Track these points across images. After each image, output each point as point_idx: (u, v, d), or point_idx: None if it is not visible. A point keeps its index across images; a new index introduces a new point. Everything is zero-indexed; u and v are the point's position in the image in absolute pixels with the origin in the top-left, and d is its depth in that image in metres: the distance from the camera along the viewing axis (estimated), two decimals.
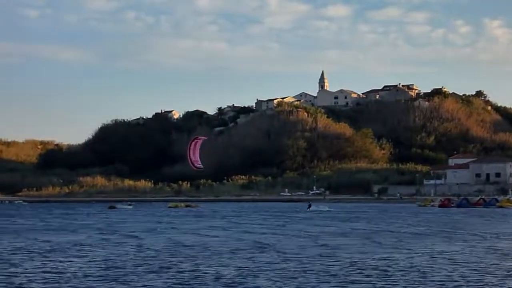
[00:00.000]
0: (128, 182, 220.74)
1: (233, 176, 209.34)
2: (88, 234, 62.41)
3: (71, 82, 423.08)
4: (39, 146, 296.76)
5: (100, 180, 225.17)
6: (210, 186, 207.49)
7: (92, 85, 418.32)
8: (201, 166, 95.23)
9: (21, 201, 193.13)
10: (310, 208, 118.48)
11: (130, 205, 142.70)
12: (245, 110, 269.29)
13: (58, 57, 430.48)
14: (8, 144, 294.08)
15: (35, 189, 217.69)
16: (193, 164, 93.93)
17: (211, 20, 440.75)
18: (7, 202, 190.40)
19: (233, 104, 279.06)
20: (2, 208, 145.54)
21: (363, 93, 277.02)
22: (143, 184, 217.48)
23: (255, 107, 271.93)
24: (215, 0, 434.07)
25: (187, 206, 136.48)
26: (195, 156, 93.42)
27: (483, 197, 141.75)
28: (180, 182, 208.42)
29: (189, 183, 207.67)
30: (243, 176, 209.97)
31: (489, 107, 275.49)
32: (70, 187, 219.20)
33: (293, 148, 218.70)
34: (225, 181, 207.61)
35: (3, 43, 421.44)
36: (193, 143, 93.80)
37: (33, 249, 47.45)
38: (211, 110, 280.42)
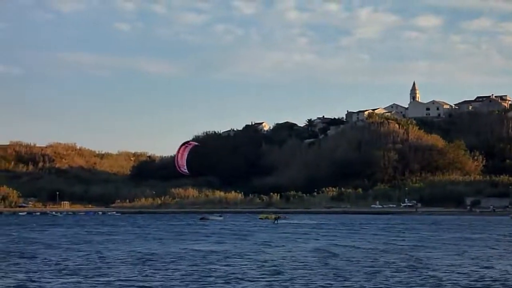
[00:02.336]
0: (219, 194, 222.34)
1: (323, 188, 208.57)
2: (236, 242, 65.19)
3: (162, 95, 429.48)
4: (132, 158, 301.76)
5: (191, 192, 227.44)
6: (300, 198, 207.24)
7: (183, 97, 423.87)
8: (187, 171, 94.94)
9: (114, 212, 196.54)
10: (278, 221, 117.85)
11: (220, 216, 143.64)
12: (335, 122, 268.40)
13: (149, 70, 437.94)
14: (102, 156, 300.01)
15: (128, 200, 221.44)
16: (179, 168, 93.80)
17: (301, 32, 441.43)
18: (100, 213, 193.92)
19: (323, 116, 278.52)
20: (109, 219, 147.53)
21: (455, 104, 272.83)
22: (234, 195, 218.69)
23: (346, 118, 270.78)
24: (304, 12, 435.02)
25: (276, 217, 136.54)
26: (182, 161, 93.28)
27: None
28: (270, 193, 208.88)
29: (279, 194, 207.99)
30: (333, 188, 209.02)
31: None
32: (162, 199, 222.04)
33: (384, 159, 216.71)
34: (315, 193, 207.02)
35: (95, 55, 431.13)
36: (183, 147, 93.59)
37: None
38: (301, 122, 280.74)
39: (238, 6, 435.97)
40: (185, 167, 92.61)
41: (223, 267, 41.69)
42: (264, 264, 43.78)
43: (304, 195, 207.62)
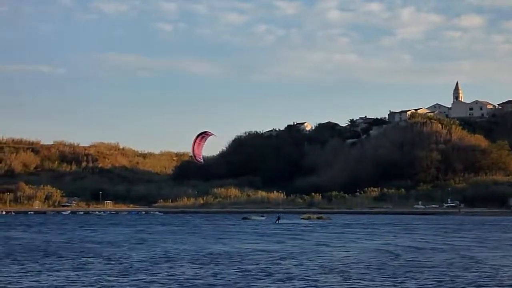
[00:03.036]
0: (261, 194, 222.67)
1: (365, 188, 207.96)
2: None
3: (205, 96, 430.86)
4: (174, 158, 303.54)
5: (233, 191, 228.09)
6: (342, 198, 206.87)
7: (225, 98, 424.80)
8: (202, 161, 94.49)
9: (157, 211, 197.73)
10: (279, 221, 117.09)
11: (262, 216, 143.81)
12: (378, 122, 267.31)
13: (191, 70, 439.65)
14: (144, 156, 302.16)
15: (170, 200, 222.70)
16: (195, 157, 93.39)
17: (342, 32, 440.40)
18: (143, 212, 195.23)
19: (366, 116, 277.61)
20: (159, 219, 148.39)
21: (498, 104, 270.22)
22: (276, 195, 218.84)
23: (388, 118, 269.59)
24: (345, 12, 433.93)
25: (318, 218, 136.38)
26: (198, 150, 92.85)
27: None
28: (312, 193, 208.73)
29: (321, 195, 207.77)
30: (376, 188, 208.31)
31: None
32: (204, 198, 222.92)
33: (426, 160, 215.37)
34: (357, 193, 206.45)
35: (138, 56, 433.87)
36: (200, 137, 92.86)
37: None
38: (343, 122, 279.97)
39: (280, 6, 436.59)
40: (201, 157, 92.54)
41: (294, 267, 41.67)
42: (330, 263, 43.75)
43: (346, 195, 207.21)
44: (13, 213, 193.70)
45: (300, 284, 33.91)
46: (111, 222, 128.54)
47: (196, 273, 38.64)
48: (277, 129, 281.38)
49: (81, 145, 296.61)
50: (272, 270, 40.02)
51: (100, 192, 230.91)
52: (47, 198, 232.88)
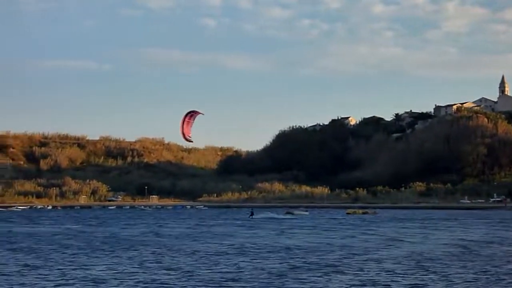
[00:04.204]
0: (305, 188, 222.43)
1: (411, 183, 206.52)
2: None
3: (249, 90, 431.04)
4: (219, 153, 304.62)
5: (277, 186, 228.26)
6: (388, 193, 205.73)
7: (269, 92, 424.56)
8: (191, 139, 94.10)
9: (202, 206, 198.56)
10: (253, 216, 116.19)
11: (306, 211, 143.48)
12: (423, 116, 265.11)
13: (235, 65, 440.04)
14: (189, 151, 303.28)
15: (215, 194, 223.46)
16: (183, 136, 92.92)
17: (387, 26, 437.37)
18: (188, 207, 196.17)
19: (411, 110, 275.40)
20: (213, 213, 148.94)
21: None
22: (320, 190, 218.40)
23: (433, 112, 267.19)
24: (390, 5, 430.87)
25: (364, 213, 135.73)
26: (187, 129, 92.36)
27: None
28: (357, 188, 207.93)
29: (366, 189, 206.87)
30: (421, 183, 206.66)
31: None
32: (249, 193, 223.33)
33: (472, 154, 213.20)
34: (402, 188, 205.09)
35: (183, 51, 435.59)
36: (189, 115, 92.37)
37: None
38: (388, 116, 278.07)
39: (324, 0, 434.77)
40: (190, 135, 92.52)
41: (374, 262, 41.19)
42: (408, 257, 43.52)
43: (391, 190, 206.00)
44: (59, 208, 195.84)
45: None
46: (166, 216, 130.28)
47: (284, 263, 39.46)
48: (321, 124, 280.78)
49: (126, 140, 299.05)
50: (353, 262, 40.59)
51: (146, 187, 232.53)
52: (93, 193, 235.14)
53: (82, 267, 38.31)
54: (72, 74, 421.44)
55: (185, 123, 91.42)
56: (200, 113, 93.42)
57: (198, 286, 31.01)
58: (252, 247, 52.08)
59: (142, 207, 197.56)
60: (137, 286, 31.15)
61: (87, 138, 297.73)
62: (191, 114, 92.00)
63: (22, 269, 37.62)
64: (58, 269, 37.49)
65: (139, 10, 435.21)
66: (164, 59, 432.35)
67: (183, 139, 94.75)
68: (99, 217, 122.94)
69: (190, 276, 34.23)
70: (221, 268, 37.46)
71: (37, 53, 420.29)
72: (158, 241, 59.42)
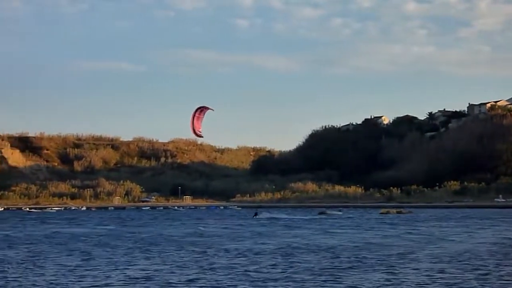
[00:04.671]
0: (339, 188, 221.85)
1: (445, 182, 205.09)
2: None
3: (281, 90, 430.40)
4: (251, 153, 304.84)
5: (311, 186, 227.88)
6: (421, 192, 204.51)
7: (301, 92, 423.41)
8: (202, 134, 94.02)
9: (235, 206, 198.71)
10: (257, 216, 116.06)
11: (340, 211, 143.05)
12: (457, 115, 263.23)
13: (267, 66, 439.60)
14: (222, 151, 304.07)
15: (248, 195, 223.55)
16: (194, 131, 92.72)
17: (419, 25, 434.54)
18: (221, 207, 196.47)
19: (444, 109, 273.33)
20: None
21: None
22: (353, 190, 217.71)
23: (467, 111, 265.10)
24: (422, 4, 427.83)
25: (398, 212, 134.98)
26: (198, 124, 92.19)
27: None
28: (390, 188, 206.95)
29: (399, 189, 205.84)
30: (455, 182, 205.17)
31: None
32: (282, 193, 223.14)
33: (507, 152, 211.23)
34: (436, 187, 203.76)
35: (216, 52, 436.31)
36: (199, 110, 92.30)
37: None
38: (422, 115, 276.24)
39: None
40: (201, 130, 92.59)
41: (427, 261, 41.15)
42: (455, 256, 43.44)
43: (425, 189, 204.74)
44: (93, 209, 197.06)
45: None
46: (203, 216, 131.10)
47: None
48: (354, 123, 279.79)
49: (160, 141, 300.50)
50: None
51: (179, 187, 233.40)
52: (127, 193, 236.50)
53: (144, 268, 38.68)
54: (106, 76, 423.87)
55: (195, 118, 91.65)
56: (210, 109, 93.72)
57: (261, 286, 31.23)
58: (299, 247, 52.24)
59: (176, 207, 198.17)
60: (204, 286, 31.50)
61: (120, 139, 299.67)
62: (201, 109, 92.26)
63: (87, 270, 38.13)
64: (119, 269, 38.00)
65: (172, 11, 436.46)
66: (197, 59, 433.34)
67: (193, 134, 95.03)
68: (137, 218, 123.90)
69: (249, 276, 34.42)
70: (276, 267, 37.83)
71: (71, 54, 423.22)
72: (205, 241, 59.66)
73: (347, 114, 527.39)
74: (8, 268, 38.75)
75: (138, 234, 70.95)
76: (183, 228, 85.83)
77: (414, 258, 42.59)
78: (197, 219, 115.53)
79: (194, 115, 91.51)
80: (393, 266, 37.88)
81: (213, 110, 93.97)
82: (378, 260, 41.02)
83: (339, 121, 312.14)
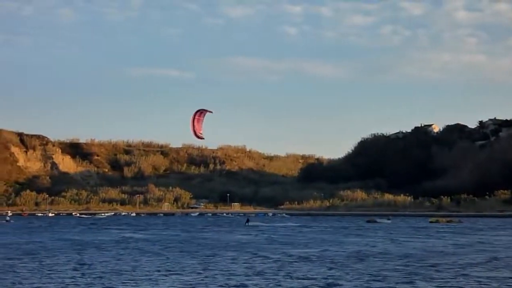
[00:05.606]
0: (388, 196, 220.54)
1: (495, 191, 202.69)
2: None
3: (330, 98, 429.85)
4: (300, 161, 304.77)
5: (360, 194, 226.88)
6: (472, 201, 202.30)
7: (350, 100, 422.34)
8: (203, 136, 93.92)
9: (284, 213, 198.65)
10: (249, 223, 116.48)
11: (388, 219, 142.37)
12: (507, 123, 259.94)
13: (316, 73, 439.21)
14: (271, 158, 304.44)
15: (296, 202, 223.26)
16: (195, 133, 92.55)
17: (469, 33, 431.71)
18: (270, 214, 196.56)
19: (495, 117, 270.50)
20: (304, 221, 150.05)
21: None
22: (403, 198, 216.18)
23: None
24: (473, 12, 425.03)
25: (448, 221, 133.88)
26: (198, 126, 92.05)
27: None
28: (440, 196, 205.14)
29: (449, 197, 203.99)
30: (505, 191, 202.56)
31: None
32: (330, 201, 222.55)
33: None
34: (486, 196, 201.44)
35: (264, 59, 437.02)
36: (199, 112, 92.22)
37: None
38: (472, 123, 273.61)
39: (406, 7, 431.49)
40: (201, 132, 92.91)
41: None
42: None
43: (475, 198, 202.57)
44: (142, 214, 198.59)
45: None
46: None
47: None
48: (403, 131, 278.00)
49: (209, 148, 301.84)
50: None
51: (228, 194, 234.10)
52: (176, 200, 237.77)
53: (228, 270, 40.11)
54: (155, 83, 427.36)
55: (195, 120, 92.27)
56: (209, 111, 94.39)
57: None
58: (368, 253, 53.17)
59: (224, 214, 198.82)
60: None
61: (170, 146, 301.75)
62: (201, 112, 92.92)
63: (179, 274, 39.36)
64: (199, 272, 39.45)
65: (221, 19, 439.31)
66: (246, 67, 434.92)
67: (194, 137, 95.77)
68: (192, 224, 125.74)
69: (336, 283, 34.94)
70: (358, 274, 38.44)
71: (122, 62, 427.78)
72: (275, 247, 60.50)
73: (397, 122, 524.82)
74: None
75: (200, 240, 72.74)
76: (246, 233, 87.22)
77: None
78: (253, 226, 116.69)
79: (194, 118, 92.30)
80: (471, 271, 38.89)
81: (212, 112, 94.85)
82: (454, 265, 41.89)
83: (389, 129, 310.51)
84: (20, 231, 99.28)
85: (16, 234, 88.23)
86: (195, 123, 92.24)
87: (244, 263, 45.43)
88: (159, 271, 40.39)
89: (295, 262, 45.84)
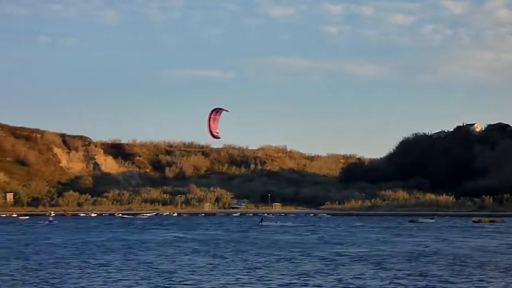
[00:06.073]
0: (430, 196, 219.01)
1: None
2: None
3: (371, 97, 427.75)
4: (341, 160, 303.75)
5: (401, 194, 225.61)
6: None
7: (392, 99, 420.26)
8: (219, 135, 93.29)
9: (324, 214, 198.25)
10: (262, 223, 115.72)
11: (432, 219, 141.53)
12: None
13: (357, 72, 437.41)
14: (311, 158, 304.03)
15: (337, 202, 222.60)
16: (211, 132, 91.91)
17: (511, 31, 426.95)
18: (311, 215, 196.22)
19: None
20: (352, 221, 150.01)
21: None
22: (445, 198, 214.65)
23: None
24: None
25: (491, 221, 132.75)
26: (214, 124, 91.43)
27: None
28: (482, 196, 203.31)
29: (492, 197, 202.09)
30: None
31: None
32: (372, 201, 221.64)
33: None
34: None
35: (305, 59, 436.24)
36: (215, 111, 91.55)
37: None
38: None
39: (447, 6, 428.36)
40: (217, 131, 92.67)
41: None
42: None
43: None
44: (184, 215, 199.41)
45: None
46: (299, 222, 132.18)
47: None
48: (445, 131, 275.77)
49: (249, 148, 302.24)
50: None
51: (269, 194, 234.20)
52: (217, 200, 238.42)
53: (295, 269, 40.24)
54: (196, 83, 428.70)
55: (211, 119, 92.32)
56: (225, 110, 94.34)
57: None
58: (423, 253, 53.57)
59: (265, 214, 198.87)
60: None
61: (211, 146, 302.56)
62: (217, 111, 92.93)
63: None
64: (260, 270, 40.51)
65: (261, 19, 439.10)
66: (286, 66, 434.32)
67: (210, 136, 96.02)
68: (237, 223, 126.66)
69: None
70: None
71: (162, 62, 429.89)
72: (331, 247, 61.05)
73: (439, 121, 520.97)
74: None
75: (252, 239, 73.86)
76: (299, 234, 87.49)
77: None
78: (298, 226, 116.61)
79: (210, 117, 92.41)
80: None
81: (228, 111, 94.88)
82: None
83: (430, 129, 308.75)
84: (70, 230, 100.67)
85: (69, 234, 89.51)
86: (211, 122, 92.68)
87: (300, 262, 46.17)
88: (220, 269, 41.69)
89: (353, 261, 46.29)
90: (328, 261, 46.96)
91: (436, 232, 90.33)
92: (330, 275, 38.50)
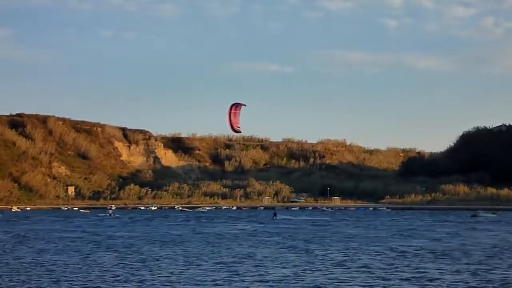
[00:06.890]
0: (491, 190, 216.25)
1: None
2: None
3: (432, 91, 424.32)
4: (401, 154, 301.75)
5: (462, 188, 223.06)
6: None
7: (452, 92, 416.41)
8: (240, 130, 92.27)
9: (384, 208, 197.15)
10: (276, 217, 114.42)
11: (494, 213, 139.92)
12: None
13: (418, 66, 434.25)
14: (371, 152, 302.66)
15: (397, 196, 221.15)
16: (232, 127, 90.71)
17: None
18: (371, 209, 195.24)
19: None
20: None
21: None
22: (507, 192, 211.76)
23: None
24: None
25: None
26: (235, 119, 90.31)
27: None
28: None
29: None
30: None
31: None
32: (432, 195, 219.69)
33: None
34: None
35: (365, 52, 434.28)
36: (235, 106, 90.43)
37: None
38: None
39: None
40: (239, 125, 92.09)
41: None
42: None
43: None
44: (243, 208, 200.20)
45: None
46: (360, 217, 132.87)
47: None
48: (507, 124, 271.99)
49: (308, 142, 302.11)
50: None
51: (328, 188, 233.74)
52: (276, 194, 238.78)
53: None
54: (255, 77, 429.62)
55: (231, 114, 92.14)
56: (243, 105, 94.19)
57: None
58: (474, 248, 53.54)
59: (324, 208, 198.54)
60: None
61: (270, 140, 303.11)
62: (236, 105, 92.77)
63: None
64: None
65: (320, 12, 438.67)
66: (346, 60, 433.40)
67: (231, 130, 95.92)
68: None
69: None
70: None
71: (223, 56, 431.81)
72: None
73: (500, 115, 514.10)
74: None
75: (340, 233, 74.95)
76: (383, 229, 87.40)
77: None
78: (362, 220, 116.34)
79: (230, 111, 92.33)
80: None
81: (245, 105, 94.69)
82: None
83: (492, 122, 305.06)
84: (141, 223, 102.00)
85: (142, 227, 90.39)
86: (232, 117, 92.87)
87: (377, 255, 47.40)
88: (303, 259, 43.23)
89: (438, 254, 47.50)
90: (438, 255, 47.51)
91: (507, 226, 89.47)
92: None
